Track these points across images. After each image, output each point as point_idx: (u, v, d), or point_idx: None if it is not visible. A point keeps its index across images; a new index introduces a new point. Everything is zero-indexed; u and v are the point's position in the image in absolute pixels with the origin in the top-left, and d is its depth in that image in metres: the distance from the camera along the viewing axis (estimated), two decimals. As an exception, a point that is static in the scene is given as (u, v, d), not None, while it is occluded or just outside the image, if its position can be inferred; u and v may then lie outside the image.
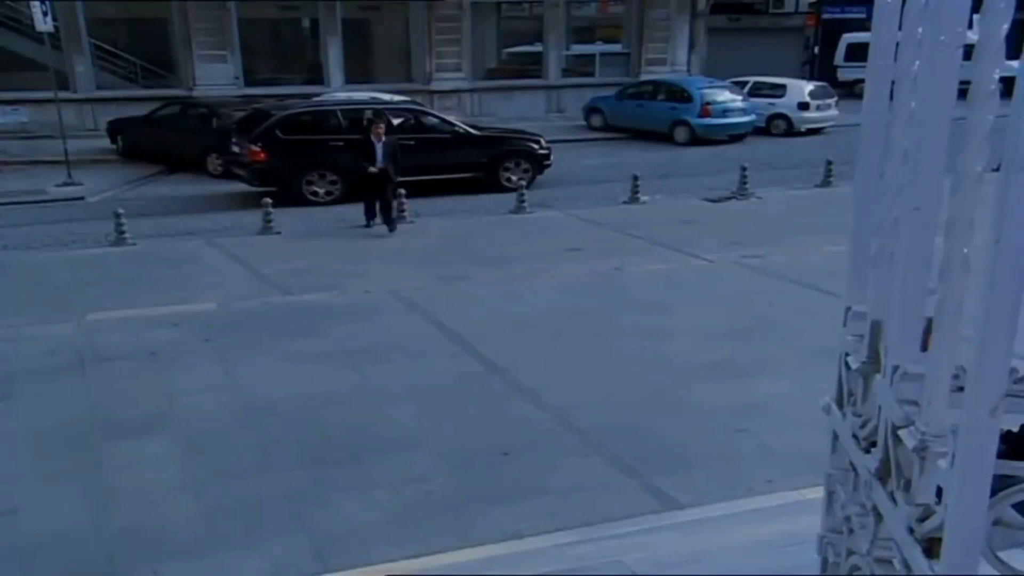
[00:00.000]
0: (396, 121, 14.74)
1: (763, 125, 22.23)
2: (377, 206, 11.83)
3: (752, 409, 6.03)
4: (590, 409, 6.12)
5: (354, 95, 19.39)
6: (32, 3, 15.59)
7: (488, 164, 15.35)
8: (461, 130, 15.56)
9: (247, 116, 15.78)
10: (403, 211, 12.36)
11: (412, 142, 14.12)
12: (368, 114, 14.10)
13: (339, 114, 15.30)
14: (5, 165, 18.04)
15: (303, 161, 14.31)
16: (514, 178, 15.12)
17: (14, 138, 20.38)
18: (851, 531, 2.64)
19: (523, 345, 7.45)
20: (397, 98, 18.33)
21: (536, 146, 15.90)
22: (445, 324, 7.93)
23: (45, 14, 15.63)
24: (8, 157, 18.64)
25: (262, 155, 14.07)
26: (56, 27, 17.93)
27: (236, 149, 14.86)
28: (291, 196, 13.89)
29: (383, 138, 11.60)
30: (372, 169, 11.54)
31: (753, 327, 7.78)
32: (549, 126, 23.89)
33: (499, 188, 14.93)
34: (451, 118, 16.30)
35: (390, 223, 11.68)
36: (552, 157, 15.84)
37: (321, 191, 14.40)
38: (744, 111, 21.39)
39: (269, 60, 26.15)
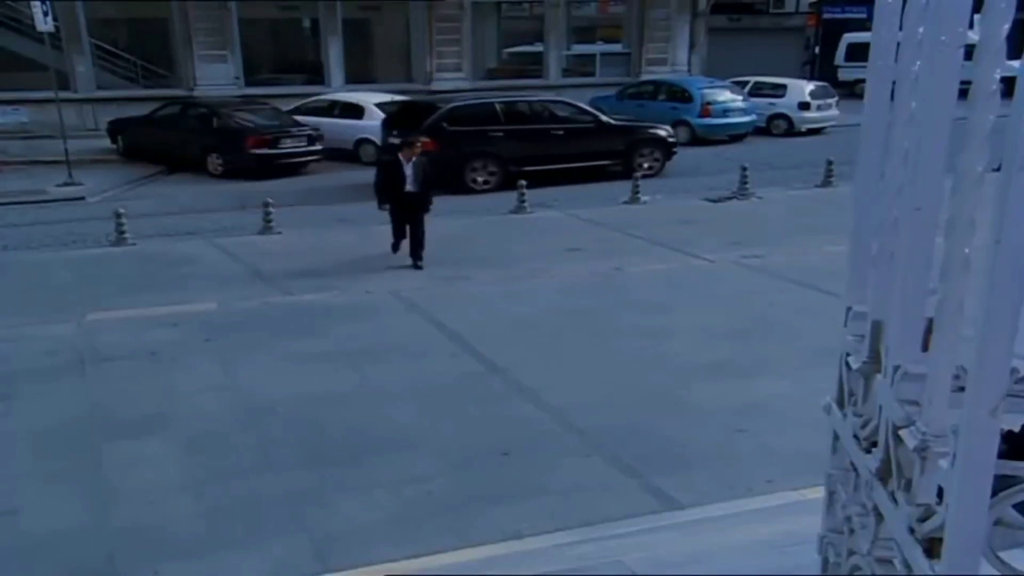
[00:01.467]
0: (559, 113, 16.43)
1: (763, 125, 22.23)
2: (407, 233, 10.21)
3: (752, 409, 6.03)
4: (590, 409, 6.12)
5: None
6: (33, 3, 15.60)
7: (625, 152, 16.40)
8: (604, 120, 16.61)
9: (399, 110, 17.18)
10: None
11: (561, 131, 15.87)
12: (529, 106, 16.07)
13: (499, 106, 16.37)
14: (5, 165, 18.04)
15: (467, 151, 15.32)
16: (646, 165, 16.33)
17: (14, 138, 20.40)
18: (852, 531, 2.64)
19: (523, 345, 7.45)
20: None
21: (665, 134, 17.00)
22: (445, 324, 7.93)
23: (46, 14, 15.63)
24: (8, 157, 18.64)
25: (432, 146, 14.61)
26: (56, 27, 17.94)
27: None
28: (455, 184, 14.75)
29: (414, 158, 10.13)
30: (409, 188, 9.99)
31: (753, 327, 7.78)
32: (549, 126, 23.92)
33: (622, 176, 15.46)
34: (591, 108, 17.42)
35: (418, 255, 10.02)
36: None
37: (481, 179, 15.42)
38: (744, 111, 21.39)
39: (269, 60, 26.16)
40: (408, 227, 10.14)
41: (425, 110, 15.92)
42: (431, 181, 10.23)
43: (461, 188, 14.86)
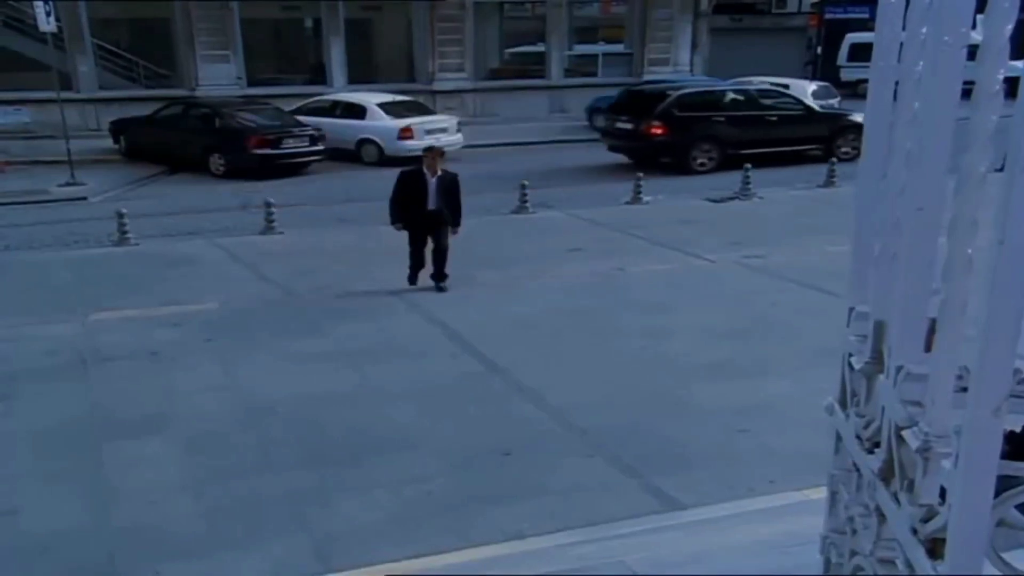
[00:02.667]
0: (773, 101, 17.69)
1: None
2: (425, 262, 9.04)
3: (753, 409, 6.02)
4: (591, 409, 6.12)
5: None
6: (35, 3, 15.61)
7: (829, 137, 17.41)
8: (812, 108, 18.07)
9: (624, 97, 18.45)
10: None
11: (775, 117, 17.17)
12: (746, 94, 17.43)
13: (722, 93, 18.04)
14: (8, 165, 18.05)
15: (693, 135, 16.60)
16: (845, 149, 16.96)
17: (17, 138, 20.40)
18: (854, 531, 2.64)
19: (524, 345, 7.44)
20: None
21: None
22: (446, 324, 7.92)
23: (48, 14, 15.65)
24: (11, 157, 18.65)
25: (661, 130, 16.45)
26: (59, 27, 17.97)
27: (626, 126, 17.24)
28: (680, 166, 16.08)
29: (439, 172, 8.81)
30: (431, 207, 8.79)
31: (754, 327, 7.77)
32: (552, 126, 23.93)
33: (819, 160, 16.13)
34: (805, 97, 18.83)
35: (441, 277, 8.97)
36: None
37: (702, 161, 16.62)
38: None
39: (271, 60, 26.20)
40: (432, 242, 8.92)
41: (651, 97, 17.46)
42: (458, 201, 8.93)
43: (684, 169, 16.04)
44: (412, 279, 9.01)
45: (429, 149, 9.14)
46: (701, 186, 15.11)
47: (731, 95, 18.07)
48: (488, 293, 9.00)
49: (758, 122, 17.17)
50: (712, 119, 16.99)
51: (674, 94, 17.23)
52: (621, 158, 17.94)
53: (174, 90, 22.86)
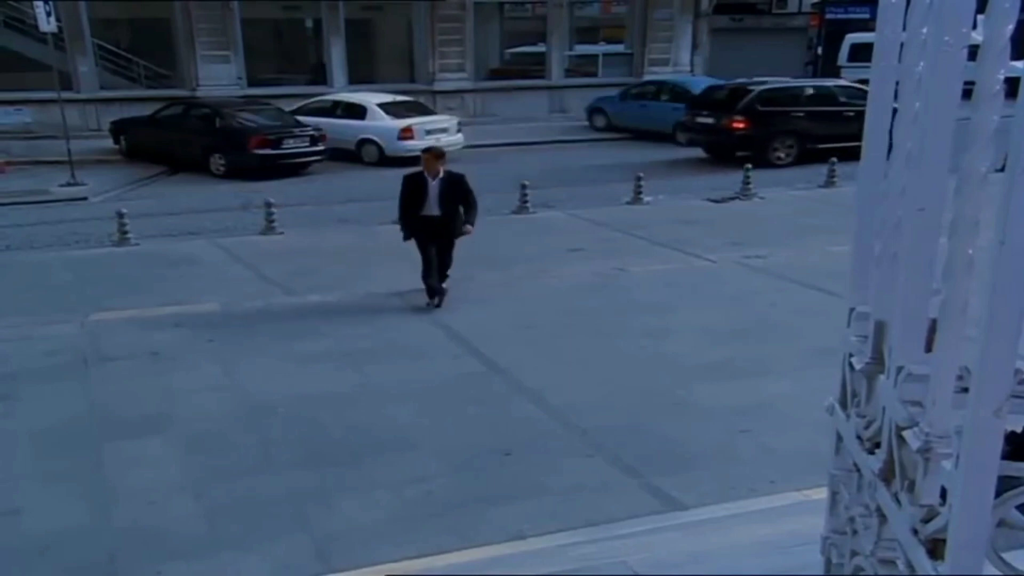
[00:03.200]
0: (847, 97, 17.92)
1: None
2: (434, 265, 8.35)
3: (754, 409, 6.02)
4: (591, 409, 6.12)
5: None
6: (35, 3, 15.62)
7: None
8: None
9: (705, 94, 19.34)
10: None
11: (851, 113, 16.83)
12: (824, 90, 18.10)
13: (801, 89, 18.87)
14: (9, 165, 18.05)
15: (774, 129, 17.35)
16: None
17: (17, 138, 20.42)
18: (855, 532, 2.64)
19: (524, 345, 7.44)
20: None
21: None
22: (446, 324, 7.92)
23: (49, 15, 15.65)
24: (11, 157, 18.65)
25: (744, 124, 17.23)
26: (59, 28, 17.98)
27: (708, 121, 18.00)
28: (760, 159, 16.05)
29: (440, 173, 8.20)
30: (432, 212, 8.19)
31: (755, 327, 7.77)
32: (552, 127, 23.95)
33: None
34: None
35: (439, 291, 8.34)
36: None
37: (782, 154, 17.27)
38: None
39: (272, 60, 26.21)
40: (436, 255, 8.30)
41: (732, 93, 18.22)
42: (469, 201, 8.31)
43: (763, 162, 16.12)
44: (430, 294, 8.31)
45: (427, 150, 8.60)
46: (704, 186, 15.11)
47: (810, 91, 18.95)
48: (489, 293, 8.99)
49: (835, 117, 17.40)
50: (792, 114, 17.58)
51: (756, 89, 17.98)
52: (620, 159, 17.98)
53: (174, 90, 22.87)
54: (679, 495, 4.96)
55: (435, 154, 8.40)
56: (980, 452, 1.81)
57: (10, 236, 12.37)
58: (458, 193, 8.26)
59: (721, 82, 20.53)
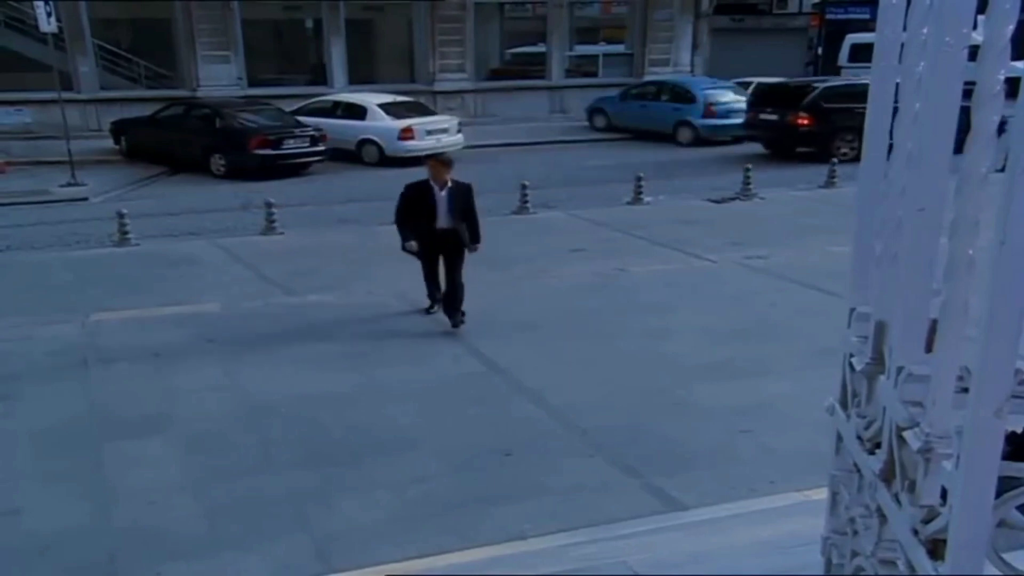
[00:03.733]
0: None
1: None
2: (441, 283, 7.96)
3: (754, 409, 6.02)
4: (592, 409, 6.12)
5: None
6: (36, 3, 15.61)
7: None
8: None
9: (769, 89, 19.65)
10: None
11: None
12: None
13: (864, 87, 18.51)
14: (9, 166, 18.05)
15: (837, 126, 17.33)
16: None
17: (18, 139, 20.42)
18: (855, 532, 2.64)
19: (525, 345, 7.44)
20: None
21: None
22: (446, 324, 7.91)
23: (49, 15, 15.64)
24: (12, 157, 18.65)
25: (808, 120, 17.65)
26: (60, 28, 17.97)
27: (771, 117, 18.35)
28: (822, 155, 16.52)
29: (448, 182, 7.58)
30: (442, 225, 7.64)
31: (755, 327, 7.77)
32: (552, 127, 23.95)
33: None
34: None
35: (455, 311, 7.72)
36: None
37: (844, 150, 17.10)
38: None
39: (272, 61, 26.20)
40: (444, 268, 7.82)
41: (795, 90, 18.66)
42: (474, 214, 7.83)
43: (825, 158, 16.14)
44: (431, 305, 8.06)
45: (432, 157, 8.10)
46: (703, 186, 15.11)
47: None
48: (490, 293, 8.99)
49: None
50: (855, 111, 17.61)
51: (820, 86, 18.44)
52: (621, 159, 17.97)
53: (175, 90, 22.86)
54: (679, 495, 4.96)
55: (443, 162, 7.81)
56: (980, 452, 1.81)
57: (10, 236, 12.37)
58: (468, 203, 7.74)
59: (783, 80, 20.90)
